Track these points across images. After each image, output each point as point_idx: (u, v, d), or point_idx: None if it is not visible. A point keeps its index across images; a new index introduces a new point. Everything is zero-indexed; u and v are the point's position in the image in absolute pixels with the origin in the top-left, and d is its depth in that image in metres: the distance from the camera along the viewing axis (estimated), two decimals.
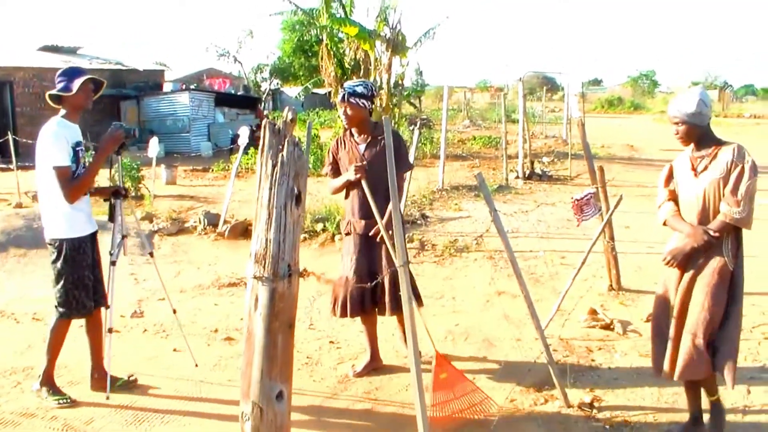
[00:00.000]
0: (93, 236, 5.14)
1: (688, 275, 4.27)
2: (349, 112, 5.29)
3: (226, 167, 18.96)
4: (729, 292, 4.22)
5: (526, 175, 16.52)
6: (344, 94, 5.26)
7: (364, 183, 5.14)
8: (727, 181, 4.11)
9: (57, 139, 4.77)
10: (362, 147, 5.36)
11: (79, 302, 4.97)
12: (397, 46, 19.74)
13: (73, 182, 4.81)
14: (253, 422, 2.10)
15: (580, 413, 4.83)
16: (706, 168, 4.20)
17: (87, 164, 5.04)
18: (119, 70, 29.33)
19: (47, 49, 29.99)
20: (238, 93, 37.28)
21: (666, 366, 4.32)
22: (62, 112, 4.92)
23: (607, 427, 4.66)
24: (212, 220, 10.98)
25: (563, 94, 35.01)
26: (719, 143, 4.24)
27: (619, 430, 4.63)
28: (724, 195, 4.11)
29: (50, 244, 4.94)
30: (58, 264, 4.90)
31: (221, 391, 5.22)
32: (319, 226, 10.33)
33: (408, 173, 5.65)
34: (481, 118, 38.69)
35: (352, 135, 5.44)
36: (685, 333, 4.21)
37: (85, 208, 5.01)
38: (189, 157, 22.77)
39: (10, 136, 16.13)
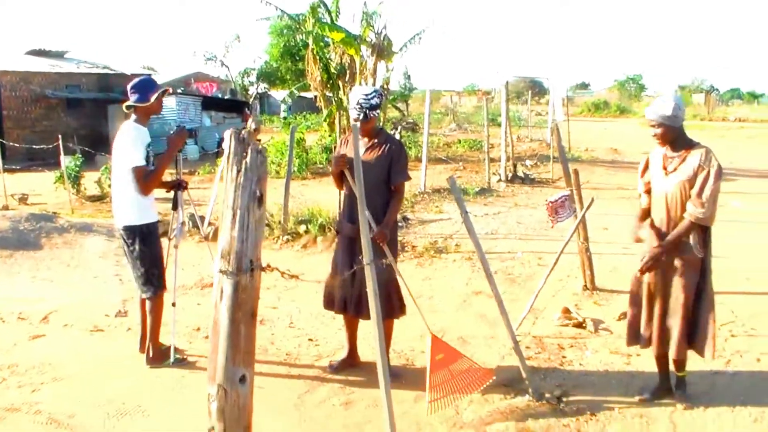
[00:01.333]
0: (157, 223, 5.74)
1: (663, 269, 4.73)
2: (365, 126, 5.28)
3: (212, 170, 19.09)
4: (700, 278, 4.69)
5: (509, 178, 16.71)
6: (363, 114, 5.20)
7: (348, 175, 5.11)
8: (693, 183, 4.49)
9: (135, 142, 5.41)
10: (362, 150, 5.28)
11: (158, 278, 5.61)
12: (382, 50, 19.91)
13: (147, 178, 5.43)
14: (219, 403, 2.29)
15: (548, 407, 5.00)
16: (675, 169, 4.58)
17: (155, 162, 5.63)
18: (107, 74, 29.40)
19: (34, 53, 30.05)
20: (225, 97, 37.44)
21: (653, 344, 4.88)
22: (134, 117, 5.57)
23: (574, 419, 4.83)
24: (197, 223, 11.08)
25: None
26: (690, 146, 4.62)
27: (585, 422, 4.80)
28: (690, 196, 4.48)
29: (126, 231, 5.56)
30: (137, 247, 5.53)
31: (201, 387, 5.37)
32: (302, 228, 10.47)
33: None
34: (467, 122, 38.85)
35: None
36: (668, 318, 4.78)
37: (152, 198, 5.64)
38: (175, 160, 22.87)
39: None
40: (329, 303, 5.61)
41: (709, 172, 4.47)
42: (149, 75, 6.62)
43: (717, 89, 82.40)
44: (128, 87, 5.60)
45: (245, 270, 2.24)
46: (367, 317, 5.35)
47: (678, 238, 4.59)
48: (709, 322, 4.76)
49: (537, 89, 59.47)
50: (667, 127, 4.57)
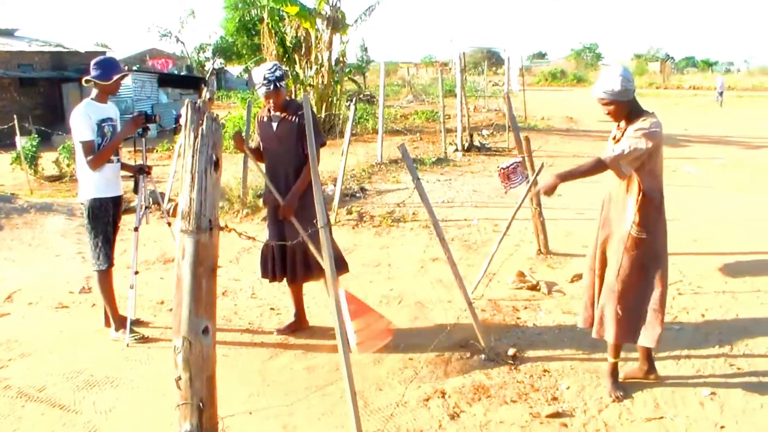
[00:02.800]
0: (115, 200, 5.89)
1: (603, 244, 4.65)
2: (276, 99, 5.52)
3: (170, 147, 19.01)
4: (643, 261, 4.46)
5: (465, 148, 16.93)
6: (273, 85, 5.41)
7: (248, 152, 5.65)
8: None
9: (82, 118, 5.57)
10: (275, 124, 5.57)
11: (104, 254, 5.78)
12: (337, 23, 19.95)
13: (95, 153, 5.58)
14: (184, 354, 2.46)
15: (503, 365, 5.19)
16: (618, 140, 4.40)
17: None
18: (60, 53, 28.97)
19: None
20: (182, 73, 37.14)
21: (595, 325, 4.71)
22: (93, 93, 5.72)
23: (528, 375, 5.04)
24: (157, 199, 11.11)
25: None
26: (639, 115, 4.36)
27: (539, 377, 5.01)
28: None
29: (81, 204, 5.81)
30: (86, 221, 5.76)
31: (166, 357, 5.49)
32: (261, 201, 10.57)
33: (339, 149, 5.76)
34: (424, 94, 38.92)
35: (269, 110, 5.63)
36: (602, 300, 4.61)
37: (109, 175, 5.75)
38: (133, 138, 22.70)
39: None
40: (264, 271, 5.84)
41: (638, 128, 4.25)
42: (112, 56, 6.78)
43: (672, 57, 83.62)
44: (92, 62, 5.73)
45: (204, 229, 2.41)
46: (297, 281, 5.74)
47: (577, 173, 4.38)
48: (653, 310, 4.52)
49: (494, 59, 59.75)
50: (619, 102, 4.32)
